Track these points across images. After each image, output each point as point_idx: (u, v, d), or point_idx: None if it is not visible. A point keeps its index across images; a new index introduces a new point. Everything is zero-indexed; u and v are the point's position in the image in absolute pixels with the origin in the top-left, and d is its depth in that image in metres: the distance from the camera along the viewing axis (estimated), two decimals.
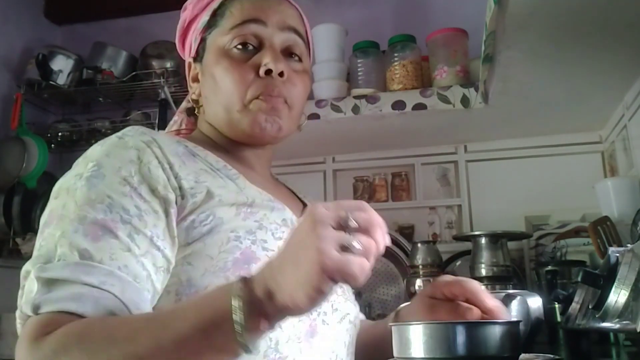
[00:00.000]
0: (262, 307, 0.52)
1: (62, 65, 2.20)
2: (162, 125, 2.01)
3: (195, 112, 0.90)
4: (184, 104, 0.96)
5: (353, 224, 0.51)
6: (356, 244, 0.50)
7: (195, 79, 0.88)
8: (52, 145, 2.27)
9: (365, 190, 2.07)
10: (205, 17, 0.86)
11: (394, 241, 1.92)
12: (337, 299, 0.82)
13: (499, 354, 0.53)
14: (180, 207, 0.70)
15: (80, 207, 0.65)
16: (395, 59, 1.73)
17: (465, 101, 1.63)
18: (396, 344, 0.56)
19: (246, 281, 0.54)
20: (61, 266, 0.61)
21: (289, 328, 0.71)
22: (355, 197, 2.06)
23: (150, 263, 0.66)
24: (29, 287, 0.61)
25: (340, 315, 0.81)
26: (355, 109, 1.70)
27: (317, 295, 0.49)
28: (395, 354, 0.57)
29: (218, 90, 0.82)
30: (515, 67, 1.33)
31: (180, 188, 0.70)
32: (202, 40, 0.87)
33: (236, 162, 0.83)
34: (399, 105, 1.67)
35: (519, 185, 1.90)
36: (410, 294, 1.56)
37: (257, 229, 0.73)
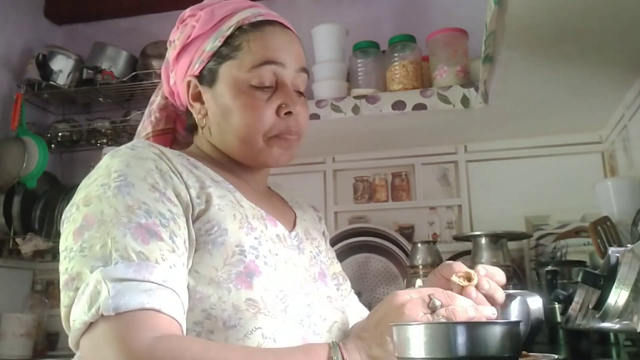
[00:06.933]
0: None
1: (62, 65, 2.20)
2: None
3: (199, 131, 0.90)
4: (161, 101, 0.96)
5: (437, 302, 0.65)
6: (437, 302, 0.65)
7: (197, 99, 0.87)
8: (52, 145, 2.26)
9: (365, 190, 2.07)
10: (214, 42, 0.84)
11: (394, 241, 1.92)
12: (324, 308, 0.84)
13: (499, 354, 0.52)
14: (192, 213, 0.74)
15: (120, 213, 0.68)
16: (395, 59, 1.73)
17: (465, 101, 1.63)
18: (396, 344, 0.56)
19: (339, 347, 0.67)
20: (124, 267, 0.64)
21: (283, 341, 0.73)
22: (355, 197, 2.07)
23: (184, 262, 0.72)
24: (94, 289, 0.64)
25: (328, 324, 0.83)
26: (355, 109, 1.70)
27: None
28: (395, 354, 0.57)
29: (235, 123, 0.83)
30: (515, 67, 1.33)
31: (190, 196, 0.75)
32: (211, 66, 0.85)
33: (233, 177, 0.86)
34: (399, 105, 1.67)
35: (519, 185, 1.90)
36: None
37: (258, 245, 0.78)
